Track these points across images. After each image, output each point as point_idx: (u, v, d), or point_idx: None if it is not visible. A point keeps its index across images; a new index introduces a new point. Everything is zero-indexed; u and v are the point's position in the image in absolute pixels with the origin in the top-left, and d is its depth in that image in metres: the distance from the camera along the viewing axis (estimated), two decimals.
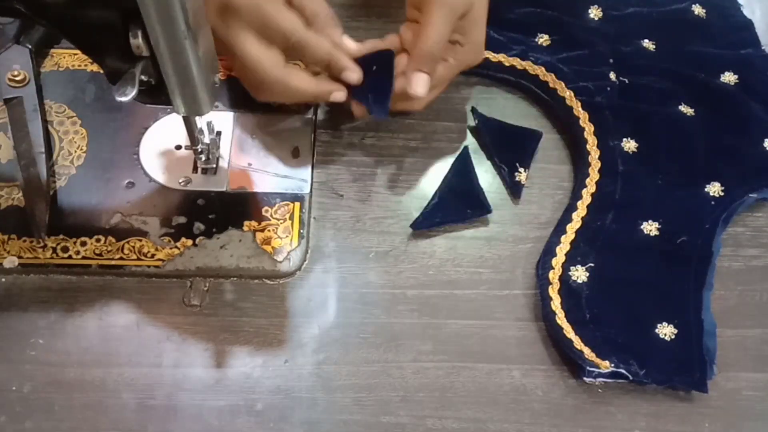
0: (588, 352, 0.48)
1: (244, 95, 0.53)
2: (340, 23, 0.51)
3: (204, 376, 0.47)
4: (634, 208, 0.54)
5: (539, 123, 0.60)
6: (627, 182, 0.55)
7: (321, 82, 0.51)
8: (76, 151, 0.54)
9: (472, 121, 0.59)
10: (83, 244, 0.50)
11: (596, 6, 0.64)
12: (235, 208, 0.52)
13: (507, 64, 0.60)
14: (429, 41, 0.50)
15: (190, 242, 0.51)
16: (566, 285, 0.51)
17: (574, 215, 0.54)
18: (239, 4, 0.45)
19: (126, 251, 0.50)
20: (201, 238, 0.51)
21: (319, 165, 0.56)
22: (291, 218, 0.52)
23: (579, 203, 0.54)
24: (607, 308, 0.50)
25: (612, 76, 0.59)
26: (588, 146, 0.56)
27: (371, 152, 0.57)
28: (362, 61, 0.51)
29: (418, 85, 0.51)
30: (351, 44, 0.52)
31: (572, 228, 0.53)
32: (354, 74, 0.51)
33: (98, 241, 0.50)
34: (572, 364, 0.49)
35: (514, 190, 0.56)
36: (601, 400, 0.48)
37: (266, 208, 0.53)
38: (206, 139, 0.51)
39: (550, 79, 0.59)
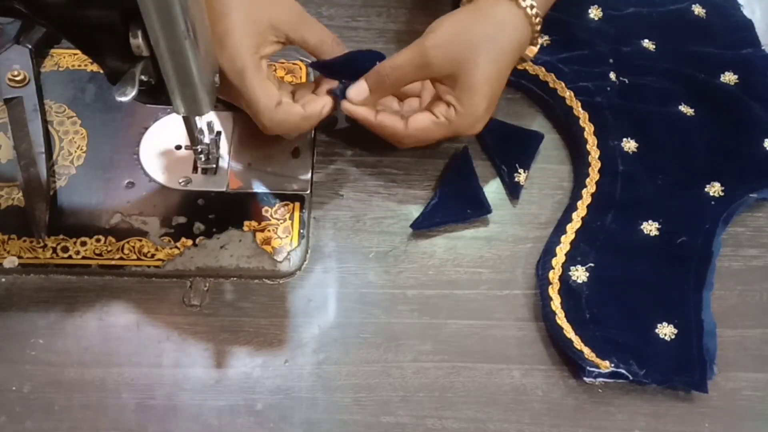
0: (588, 352, 0.48)
1: None
2: (344, 45, 0.52)
3: (204, 376, 0.47)
4: (634, 208, 0.54)
5: (539, 123, 0.60)
6: (627, 182, 0.55)
7: (308, 107, 0.51)
8: (76, 151, 0.54)
9: None
10: (83, 244, 0.50)
11: (596, 6, 0.64)
12: (235, 208, 0.52)
13: None
14: (385, 64, 0.50)
15: (190, 242, 0.51)
16: (566, 285, 0.51)
17: (574, 215, 0.54)
18: (228, 77, 0.48)
19: (126, 251, 0.50)
20: (201, 238, 0.51)
21: (319, 165, 0.56)
22: (291, 218, 0.52)
23: (579, 203, 0.54)
24: (607, 308, 0.50)
25: (612, 76, 0.59)
26: (588, 146, 0.57)
27: (371, 152, 0.57)
28: (350, 58, 0.52)
29: (352, 90, 0.51)
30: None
31: (572, 228, 0.53)
32: (327, 108, 0.51)
33: (98, 241, 0.50)
34: (572, 364, 0.49)
35: (513, 190, 0.56)
36: (601, 400, 0.48)
37: (266, 208, 0.53)
38: (206, 139, 0.51)
39: (550, 79, 0.59)
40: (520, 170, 0.56)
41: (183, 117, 0.46)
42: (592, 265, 0.52)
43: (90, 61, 0.58)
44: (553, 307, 0.50)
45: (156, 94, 0.43)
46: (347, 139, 0.57)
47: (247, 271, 0.50)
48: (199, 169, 0.54)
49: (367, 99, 0.51)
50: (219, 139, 0.54)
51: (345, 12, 0.63)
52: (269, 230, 0.52)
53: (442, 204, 0.54)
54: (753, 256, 0.55)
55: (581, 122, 0.57)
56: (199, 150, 0.52)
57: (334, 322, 0.50)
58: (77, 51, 0.58)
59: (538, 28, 0.51)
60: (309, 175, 0.54)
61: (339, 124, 0.58)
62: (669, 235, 0.53)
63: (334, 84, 0.52)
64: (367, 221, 0.54)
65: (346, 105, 0.51)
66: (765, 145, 0.58)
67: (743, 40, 0.64)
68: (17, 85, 0.55)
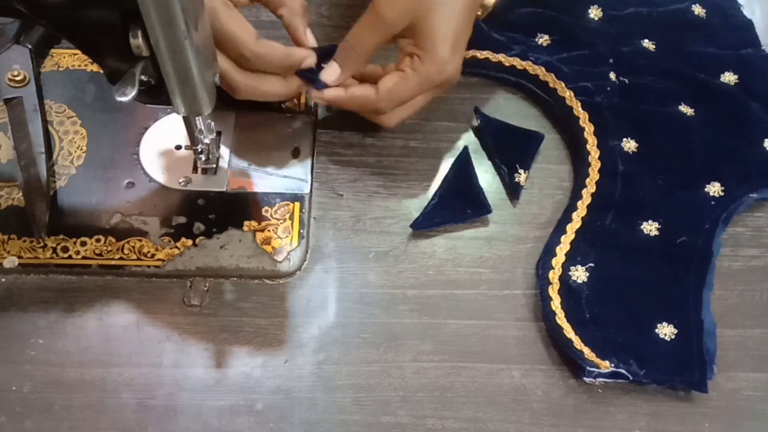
0: (588, 352, 0.48)
1: None
2: (308, 15, 0.51)
3: (204, 376, 0.47)
4: (634, 208, 0.54)
5: (539, 123, 0.60)
6: (627, 182, 0.55)
7: (289, 82, 0.51)
8: (76, 151, 0.54)
9: (472, 121, 0.59)
10: (83, 244, 0.50)
11: (596, 6, 0.64)
12: (235, 208, 0.52)
13: (507, 64, 0.60)
14: (348, 37, 0.50)
15: (190, 242, 0.51)
16: (566, 285, 0.51)
17: (574, 215, 0.54)
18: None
19: (126, 251, 0.50)
20: (201, 238, 0.51)
21: (319, 165, 0.56)
22: (291, 218, 0.52)
23: (579, 203, 0.54)
24: (607, 308, 0.50)
25: (612, 76, 0.59)
26: (588, 146, 0.57)
27: (371, 152, 0.57)
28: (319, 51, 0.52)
29: (325, 73, 0.51)
30: (312, 40, 0.52)
31: (572, 228, 0.53)
32: (310, 59, 0.51)
33: (98, 241, 0.50)
34: (572, 364, 0.49)
35: (513, 191, 0.56)
36: (601, 400, 0.48)
37: (266, 208, 0.53)
38: (206, 139, 0.51)
39: (550, 79, 0.59)
40: (520, 170, 0.56)
41: (183, 117, 0.46)
42: (592, 265, 0.52)
43: (90, 61, 0.58)
44: (553, 307, 0.50)
45: (156, 94, 0.43)
46: (347, 139, 0.57)
47: (247, 271, 0.50)
48: (199, 169, 0.54)
49: (340, 77, 0.51)
50: (219, 139, 0.55)
51: (345, 12, 0.63)
52: (269, 230, 0.52)
53: (442, 204, 0.54)
54: (753, 256, 0.55)
55: (581, 122, 0.57)
56: (199, 150, 0.52)
57: (334, 322, 0.50)
58: (77, 51, 0.57)
59: None
60: (309, 175, 0.54)
61: (339, 122, 0.58)
62: (669, 235, 0.53)
63: None
64: (367, 221, 0.54)
65: (315, 93, 0.51)
66: (765, 145, 0.58)
67: (743, 40, 0.64)
68: (17, 85, 0.55)
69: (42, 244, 0.50)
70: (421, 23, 0.49)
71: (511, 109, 0.60)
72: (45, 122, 0.54)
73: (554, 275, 0.51)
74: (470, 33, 0.51)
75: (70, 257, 0.50)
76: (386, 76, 0.51)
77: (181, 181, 0.53)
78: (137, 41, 0.38)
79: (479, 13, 0.53)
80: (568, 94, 0.58)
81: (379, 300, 0.51)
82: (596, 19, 0.63)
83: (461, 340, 0.50)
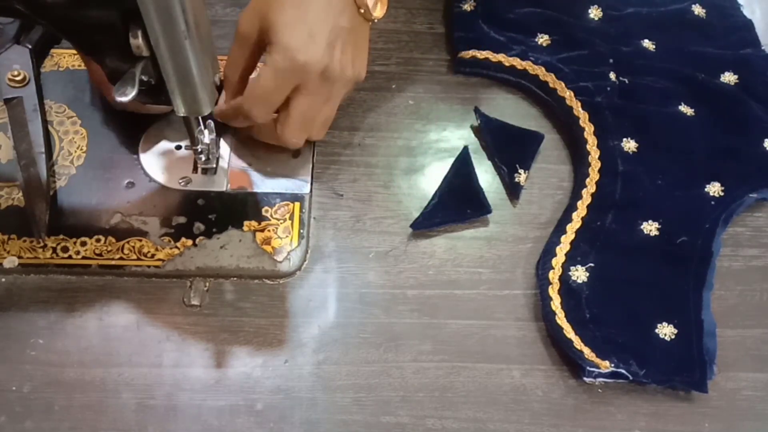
0: (588, 352, 0.48)
1: None
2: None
3: (204, 376, 0.47)
4: (634, 208, 0.54)
5: (539, 123, 0.60)
6: (627, 182, 0.55)
7: None
8: (76, 151, 0.54)
9: (472, 121, 0.59)
10: (83, 244, 0.50)
11: (596, 6, 0.64)
12: (235, 208, 0.52)
13: (507, 64, 0.60)
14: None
15: (190, 242, 0.51)
16: (566, 285, 0.51)
17: (574, 215, 0.54)
18: None
19: (126, 251, 0.50)
20: (201, 238, 0.51)
21: (319, 165, 0.56)
22: (291, 218, 0.52)
23: (579, 203, 0.54)
24: (607, 308, 0.50)
25: (612, 76, 0.59)
26: (588, 146, 0.57)
27: (371, 152, 0.57)
28: None
29: (217, 106, 0.51)
30: None
31: (572, 228, 0.53)
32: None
33: (98, 241, 0.50)
34: (572, 364, 0.49)
35: (513, 191, 0.56)
36: (601, 400, 0.48)
37: (266, 208, 0.53)
38: (206, 139, 0.51)
39: (550, 79, 0.59)
40: (520, 170, 0.56)
41: (183, 117, 0.46)
42: (592, 265, 0.52)
43: None
44: (553, 307, 0.50)
45: (156, 94, 0.43)
46: (347, 139, 0.57)
47: (247, 271, 0.50)
48: (199, 169, 0.54)
49: (225, 99, 0.51)
50: (219, 139, 0.54)
51: None
52: (269, 230, 0.52)
53: (442, 204, 0.54)
54: (753, 256, 0.55)
55: (581, 122, 0.57)
56: (199, 150, 0.52)
57: (334, 322, 0.50)
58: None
59: None
60: (309, 175, 0.54)
61: (339, 122, 0.58)
62: (669, 235, 0.53)
63: None
64: (367, 221, 0.54)
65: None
66: (765, 145, 0.58)
67: (743, 40, 0.64)
68: (17, 85, 0.55)
69: (42, 244, 0.50)
70: (268, 21, 0.47)
71: (511, 109, 0.60)
72: (45, 122, 0.54)
73: (554, 275, 0.51)
74: (339, 24, 0.48)
75: (70, 257, 0.50)
76: None
77: (181, 181, 0.53)
78: (137, 41, 0.38)
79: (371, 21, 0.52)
80: (568, 94, 0.58)
81: (379, 300, 0.51)
82: (596, 19, 0.63)
83: (461, 340, 0.50)
